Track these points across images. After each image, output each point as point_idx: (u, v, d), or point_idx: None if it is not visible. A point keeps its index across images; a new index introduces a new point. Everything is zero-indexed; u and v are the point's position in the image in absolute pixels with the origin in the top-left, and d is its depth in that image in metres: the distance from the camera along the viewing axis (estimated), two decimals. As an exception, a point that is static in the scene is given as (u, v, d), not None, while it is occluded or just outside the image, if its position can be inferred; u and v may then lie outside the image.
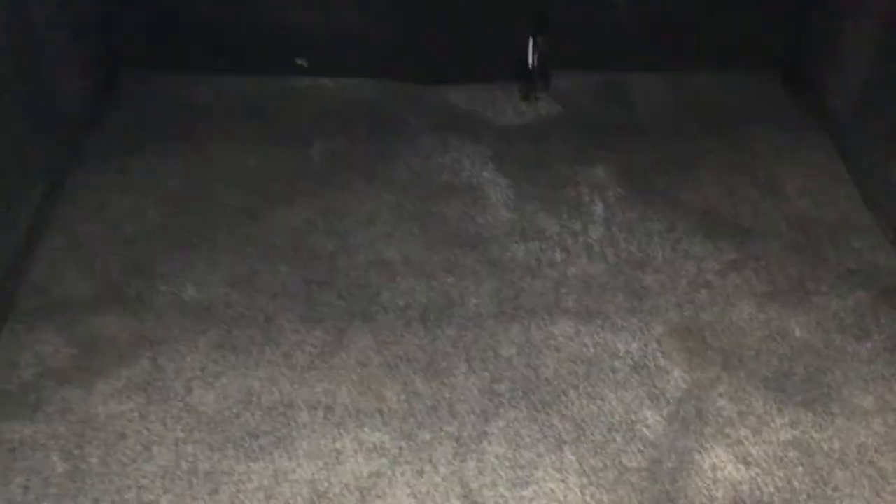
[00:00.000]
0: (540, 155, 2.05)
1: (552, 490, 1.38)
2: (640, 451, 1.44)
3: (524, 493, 1.38)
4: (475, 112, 2.17)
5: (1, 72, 1.61)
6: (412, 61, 2.17)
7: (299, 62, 2.17)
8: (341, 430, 1.46)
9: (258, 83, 2.17)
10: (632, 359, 1.59)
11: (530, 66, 2.17)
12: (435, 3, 2.09)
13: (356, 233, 1.83)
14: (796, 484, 1.39)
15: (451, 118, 2.14)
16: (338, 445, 1.44)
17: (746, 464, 1.42)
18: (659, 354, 1.59)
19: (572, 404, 1.51)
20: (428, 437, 1.45)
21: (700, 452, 1.44)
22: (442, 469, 1.41)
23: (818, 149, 2.04)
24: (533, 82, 2.18)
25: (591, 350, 1.60)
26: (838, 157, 2.00)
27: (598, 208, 1.91)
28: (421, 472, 1.40)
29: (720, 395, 1.52)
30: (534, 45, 2.16)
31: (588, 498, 1.37)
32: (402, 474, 1.40)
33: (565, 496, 1.37)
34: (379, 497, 1.37)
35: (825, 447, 1.44)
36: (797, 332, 1.63)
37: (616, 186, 1.96)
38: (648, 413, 1.50)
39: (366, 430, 1.46)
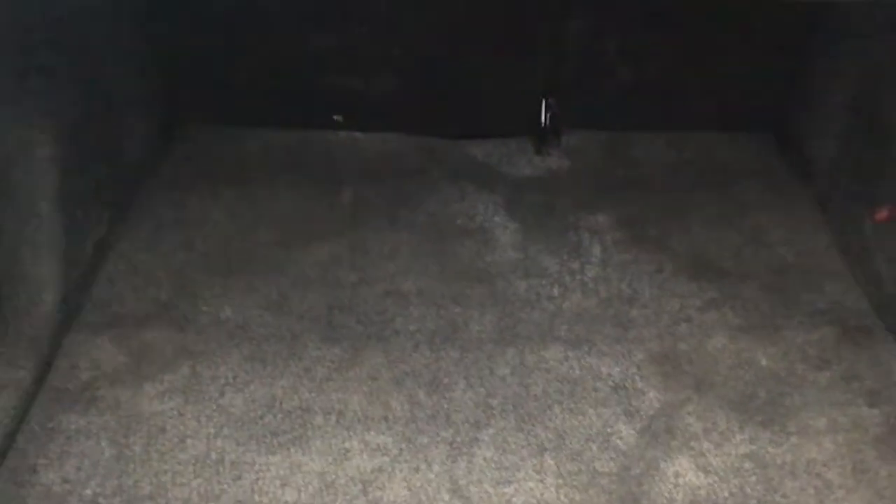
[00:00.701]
0: (548, 203, 2.26)
1: (531, 488, 1.57)
2: (612, 458, 1.62)
3: (506, 490, 1.57)
4: (491, 164, 2.40)
5: (79, 121, 1.90)
6: (435, 118, 2.42)
7: (336, 118, 2.44)
8: (350, 433, 1.67)
9: (299, 136, 2.43)
10: (612, 381, 1.78)
11: (543, 125, 2.41)
12: (457, 68, 2.34)
13: (377, 267, 2.06)
14: (748, 490, 1.55)
15: (469, 169, 2.37)
16: (346, 445, 1.65)
17: (706, 472, 1.59)
18: (637, 377, 1.78)
19: (556, 417, 1.70)
20: (426, 440, 1.66)
21: (665, 461, 1.61)
22: (435, 468, 1.60)
23: (801, 202, 2.22)
24: (545, 139, 2.42)
25: (577, 372, 1.80)
26: (819, 209, 2.18)
27: (596, 250, 2.11)
28: (417, 470, 1.60)
29: (689, 413, 1.70)
30: (546, 106, 2.40)
31: (562, 496, 1.56)
32: (401, 471, 1.60)
33: (542, 494, 1.56)
34: (379, 489, 1.57)
35: (778, 460, 1.60)
36: (763, 362, 1.80)
37: (614, 232, 2.16)
38: (623, 427, 1.68)
39: (371, 433, 1.67)
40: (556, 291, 2.00)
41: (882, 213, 1.88)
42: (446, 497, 1.56)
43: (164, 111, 2.36)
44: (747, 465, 1.60)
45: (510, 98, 2.39)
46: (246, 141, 2.41)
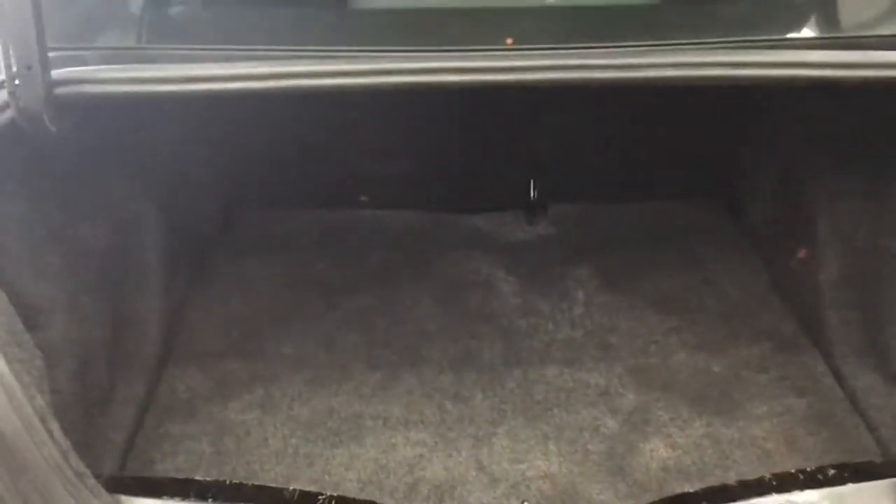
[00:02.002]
0: (539, 261, 2.76)
1: (539, 465, 2.03)
2: (601, 442, 2.08)
3: (520, 466, 2.02)
4: (492, 232, 2.91)
5: (170, 201, 2.41)
6: (444, 196, 2.94)
7: (362, 198, 2.96)
8: (394, 432, 2.12)
9: (333, 214, 2.94)
10: (599, 388, 2.25)
11: (532, 199, 2.93)
12: (461, 155, 2.86)
13: (404, 313, 2.54)
14: (706, 459, 2.02)
15: (473, 237, 2.88)
16: (392, 440, 2.10)
17: (673, 448, 2.05)
18: (618, 385, 2.25)
19: (555, 416, 2.16)
20: (454, 435, 2.11)
21: (642, 443, 2.07)
22: (464, 453, 2.06)
23: (745, 253, 2.74)
24: (534, 211, 2.94)
25: (571, 383, 2.27)
26: (758, 257, 2.70)
27: (580, 295, 2.61)
28: (450, 455, 2.05)
29: (659, 408, 2.17)
30: (534, 184, 2.93)
31: (563, 469, 2.01)
32: (437, 457, 2.05)
33: (548, 468, 2.02)
34: (421, 470, 2.02)
35: (728, 437, 2.07)
36: (715, 369, 2.29)
37: (594, 281, 2.66)
38: (609, 420, 2.15)
39: (412, 431, 2.12)
40: (550, 326, 2.48)
41: (801, 253, 2.40)
42: (474, 473, 2.01)
43: (227, 197, 2.87)
44: (705, 441, 2.07)
45: (505, 178, 2.92)
46: (290, 219, 2.92)
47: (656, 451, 2.05)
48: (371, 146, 2.78)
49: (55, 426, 1.42)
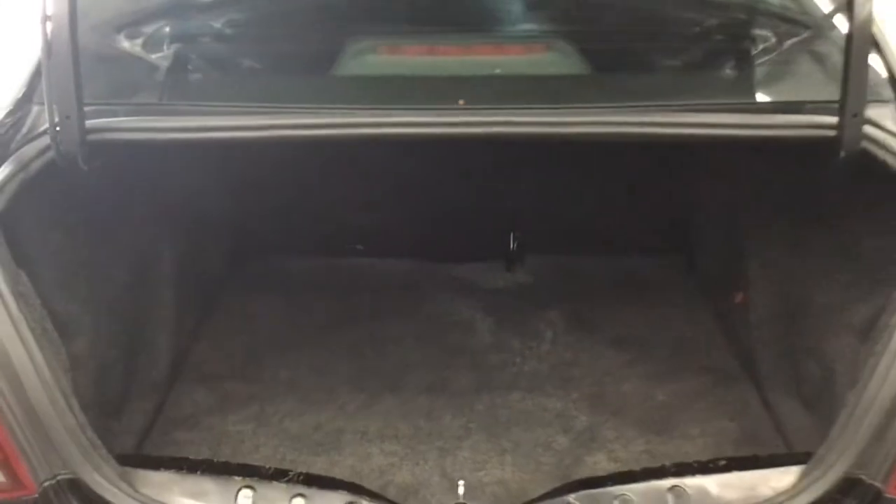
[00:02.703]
0: (514, 306, 3.05)
1: (495, 473, 2.30)
2: (552, 456, 2.35)
3: (479, 474, 2.30)
4: (473, 279, 3.21)
5: (189, 248, 2.75)
6: (431, 246, 3.25)
7: (358, 247, 3.29)
8: (371, 444, 2.40)
9: (330, 259, 3.27)
10: (556, 411, 2.52)
11: (511, 250, 3.25)
12: (447, 210, 3.18)
13: (390, 347, 2.83)
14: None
15: (456, 283, 3.18)
16: (368, 451, 2.38)
17: (615, 461, 2.32)
18: (573, 408, 2.53)
19: (514, 434, 2.44)
20: (424, 448, 2.39)
21: (588, 456, 2.34)
22: (430, 462, 2.33)
23: (696, 300, 3.03)
24: (513, 261, 3.26)
25: (531, 407, 2.55)
26: (709, 303, 2.99)
27: (549, 335, 2.89)
28: (417, 464, 2.33)
29: (607, 429, 2.44)
30: (513, 237, 3.25)
31: (517, 477, 2.28)
32: (406, 464, 2.33)
33: (503, 475, 2.29)
34: (391, 475, 2.30)
35: (664, 452, 2.33)
36: (660, 397, 2.56)
37: (562, 323, 2.94)
38: (561, 438, 2.42)
39: (386, 444, 2.40)
40: (518, 360, 2.77)
41: (738, 298, 2.69)
42: (437, 479, 2.29)
43: (235, 240, 3.21)
44: (643, 456, 2.33)
45: (487, 231, 3.23)
46: (291, 263, 3.25)
47: (599, 463, 2.32)
48: (366, 200, 3.12)
49: (74, 403, 1.73)
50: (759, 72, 2.40)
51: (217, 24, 2.57)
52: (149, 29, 2.51)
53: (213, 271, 3.00)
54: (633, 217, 3.16)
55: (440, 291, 3.13)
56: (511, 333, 2.91)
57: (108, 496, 1.70)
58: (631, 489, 1.78)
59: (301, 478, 1.83)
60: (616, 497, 1.77)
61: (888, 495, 1.69)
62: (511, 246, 3.24)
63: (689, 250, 3.17)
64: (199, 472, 1.81)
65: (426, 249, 3.26)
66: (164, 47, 2.51)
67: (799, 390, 2.38)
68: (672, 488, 1.77)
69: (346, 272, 3.22)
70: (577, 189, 3.13)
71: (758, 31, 2.45)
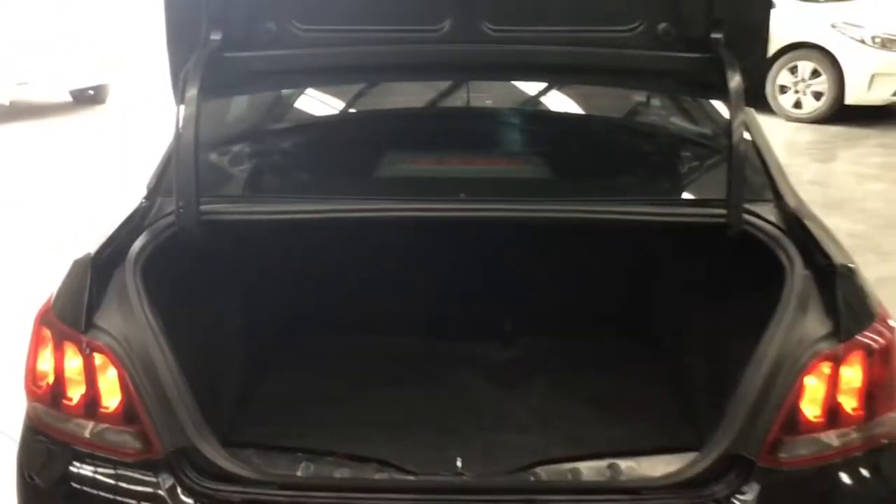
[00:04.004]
0: (507, 374, 3.76)
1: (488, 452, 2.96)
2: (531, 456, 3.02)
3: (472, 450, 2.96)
4: (472, 353, 3.93)
5: (237, 313, 3.52)
6: (437, 326, 3.89)
7: (381, 326, 4.04)
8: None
9: (350, 336, 3.92)
10: (533, 444, 3.20)
11: (506, 330, 3.98)
12: (451, 298, 3.89)
13: (396, 405, 3.45)
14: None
15: (457, 356, 3.85)
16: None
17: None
18: (545, 442, 3.19)
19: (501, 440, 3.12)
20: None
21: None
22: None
23: (655, 367, 3.73)
24: (508, 339, 3.98)
25: (515, 441, 3.23)
26: (663, 375, 3.68)
27: (534, 395, 3.58)
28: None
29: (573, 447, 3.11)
30: (507, 321, 4.00)
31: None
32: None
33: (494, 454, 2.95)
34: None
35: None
36: (618, 434, 3.25)
37: (547, 386, 3.63)
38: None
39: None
40: (509, 412, 3.45)
41: (683, 362, 3.42)
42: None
43: (286, 316, 3.96)
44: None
45: (486, 315, 3.98)
46: (328, 339, 3.98)
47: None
48: (387, 287, 3.87)
49: (190, 395, 2.47)
50: (678, 178, 3.24)
51: (286, 145, 3.46)
52: (236, 147, 3.39)
53: (264, 337, 3.71)
54: (607, 304, 3.91)
55: (443, 363, 3.76)
56: (504, 392, 3.59)
57: (213, 458, 2.42)
58: (580, 465, 2.49)
59: (343, 455, 2.54)
60: (569, 470, 2.47)
61: (760, 465, 2.39)
62: (506, 327, 3.97)
63: (644, 333, 3.87)
64: (274, 451, 2.53)
65: (431, 328, 3.86)
66: (246, 160, 3.38)
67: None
68: (610, 465, 2.47)
69: (364, 347, 3.82)
70: (558, 280, 3.90)
71: (683, 153, 3.32)
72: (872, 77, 10.78)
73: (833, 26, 10.96)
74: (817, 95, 11.06)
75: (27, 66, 11.48)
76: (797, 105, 11.21)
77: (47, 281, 2.82)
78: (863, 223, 7.72)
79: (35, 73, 11.61)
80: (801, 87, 11.16)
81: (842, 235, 8.04)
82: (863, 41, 10.84)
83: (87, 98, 12.76)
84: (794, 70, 11.15)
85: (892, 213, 8.00)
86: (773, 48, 11.08)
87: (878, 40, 10.84)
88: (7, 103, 11.48)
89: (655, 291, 3.71)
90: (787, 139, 10.56)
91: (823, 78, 10.96)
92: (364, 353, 3.86)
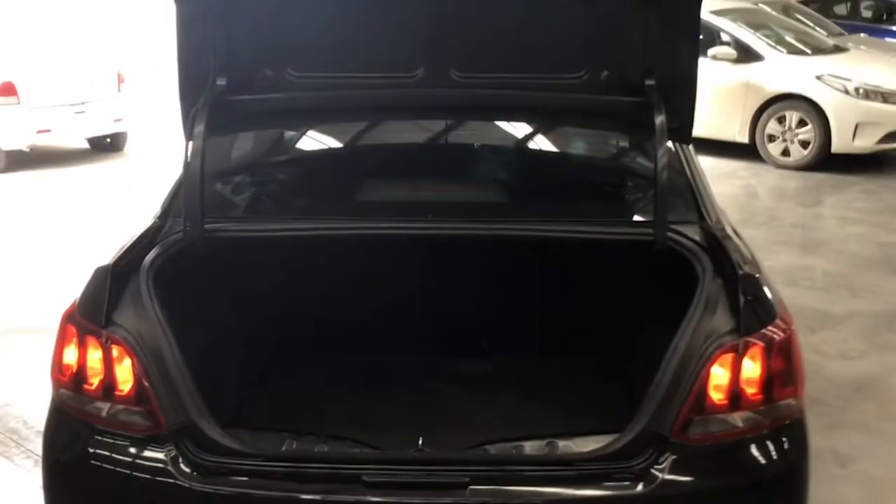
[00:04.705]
0: (482, 386, 4.17)
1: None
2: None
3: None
4: (451, 368, 4.33)
5: (238, 324, 3.97)
6: (419, 345, 4.32)
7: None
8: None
9: (347, 359, 4.38)
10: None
11: (483, 347, 4.38)
12: (432, 319, 4.28)
13: (381, 412, 3.86)
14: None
15: (436, 371, 4.23)
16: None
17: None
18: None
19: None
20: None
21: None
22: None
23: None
24: (484, 355, 4.37)
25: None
26: (620, 379, 4.08)
27: (503, 400, 4.00)
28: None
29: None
30: (484, 338, 4.41)
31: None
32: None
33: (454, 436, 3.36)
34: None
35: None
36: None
37: (516, 395, 4.04)
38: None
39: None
40: (477, 413, 3.84)
41: (629, 370, 3.83)
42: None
43: (281, 331, 4.37)
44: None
45: (462, 333, 4.40)
46: (321, 354, 4.41)
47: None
48: (377, 310, 4.28)
49: (191, 380, 2.90)
50: (616, 203, 3.71)
51: (280, 174, 3.95)
52: (237, 177, 3.88)
53: (258, 342, 4.09)
54: (565, 322, 4.32)
55: (423, 376, 4.14)
56: (476, 400, 3.99)
57: (210, 434, 2.85)
58: (524, 443, 2.90)
59: (323, 435, 2.96)
60: (514, 447, 2.89)
61: (673, 440, 2.79)
62: (483, 345, 4.38)
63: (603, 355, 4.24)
64: (262, 431, 2.96)
65: (413, 348, 4.22)
66: (245, 188, 3.87)
67: None
68: (548, 443, 2.89)
69: (356, 368, 4.21)
70: (527, 303, 4.32)
71: (621, 182, 3.79)
72: (857, 126, 11.23)
73: (818, 78, 11.44)
74: (804, 144, 11.50)
75: (49, 115, 12.06)
76: (785, 153, 11.64)
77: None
78: (840, 263, 8.13)
79: (56, 122, 12.19)
80: (788, 135, 11.59)
81: (818, 274, 8.56)
82: (847, 92, 11.31)
83: (105, 146, 13.25)
84: (781, 120, 11.60)
85: (868, 254, 8.41)
86: (761, 99, 11.64)
87: (861, 91, 11.32)
88: (28, 150, 12.02)
89: (604, 309, 4.12)
90: (775, 185, 11.01)
91: (810, 127, 11.39)
92: (348, 362, 4.22)
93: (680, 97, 3.27)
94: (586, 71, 3.34)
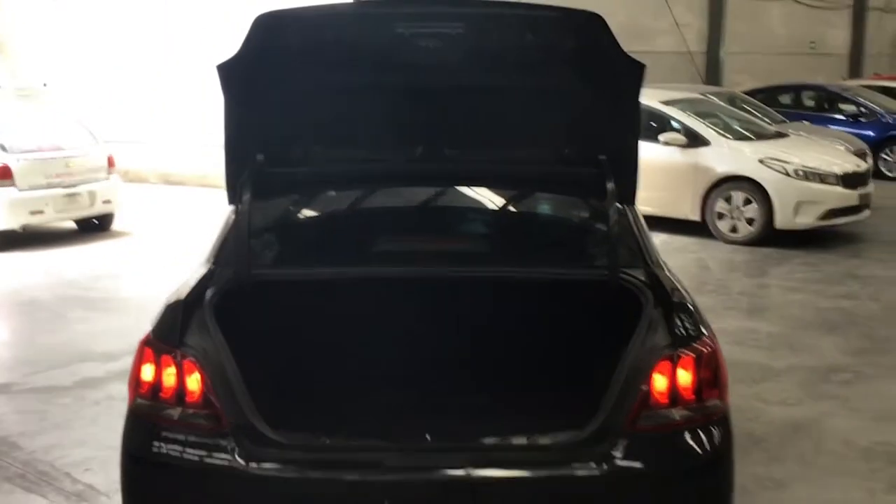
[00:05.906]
0: (466, 408, 4.89)
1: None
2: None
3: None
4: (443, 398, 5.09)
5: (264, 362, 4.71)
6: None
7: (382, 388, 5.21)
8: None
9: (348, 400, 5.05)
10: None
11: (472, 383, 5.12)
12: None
13: (387, 419, 4.64)
14: (531, 470, 4.12)
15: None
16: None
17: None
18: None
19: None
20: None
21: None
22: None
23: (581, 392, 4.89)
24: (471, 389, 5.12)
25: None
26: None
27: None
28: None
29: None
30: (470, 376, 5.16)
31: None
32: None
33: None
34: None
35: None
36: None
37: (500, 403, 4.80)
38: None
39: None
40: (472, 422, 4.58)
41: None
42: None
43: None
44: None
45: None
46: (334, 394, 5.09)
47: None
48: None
49: (245, 390, 3.64)
50: (577, 251, 4.59)
51: (310, 231, 4.81)
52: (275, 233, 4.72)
53: (292, 364, 4.76)
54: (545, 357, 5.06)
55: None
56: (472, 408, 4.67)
57: (261, 430, 3.58)
58: (510, 436, 3.67)
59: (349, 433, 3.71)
60: (503, 438, 3.66)
61: (625, 431, 3.57)
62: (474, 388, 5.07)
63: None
64: (301, 430, 3.70)
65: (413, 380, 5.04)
66: (281, 242, 4.70)
67: None
68: (529, 437, 3.66)
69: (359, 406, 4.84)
70: (507, 340, 5.06)
71: (581, 235, 4.68)
72: (798, 205, 12.28)
73: (761, 161, 12.53)
74: (750, 221, 12.50)
75: (42, 198, 12.79)
76: (733, 230, 12.64)
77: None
78: (782, 325, 9.02)
79: (48, 205, 12.89)
80: (735, 213, 12.60)
81: (762, 335, 9.54)
82: (787, 174, 12.39)
83: (92, 226, 13.88)
84: (728, 199, 12.62)
85: (808, 317, 9.30)
86: (710, 180, 12.68)
87: (800, 173, 12.42)
88: (20, 229, 12.68)
89: (569, 334, 4.85)
90: (724, 259, 11.97)
91: (755, 206, 12.43)
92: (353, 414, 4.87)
93: (626, 168, 4.19)
94: (552, 148, 4.27)
